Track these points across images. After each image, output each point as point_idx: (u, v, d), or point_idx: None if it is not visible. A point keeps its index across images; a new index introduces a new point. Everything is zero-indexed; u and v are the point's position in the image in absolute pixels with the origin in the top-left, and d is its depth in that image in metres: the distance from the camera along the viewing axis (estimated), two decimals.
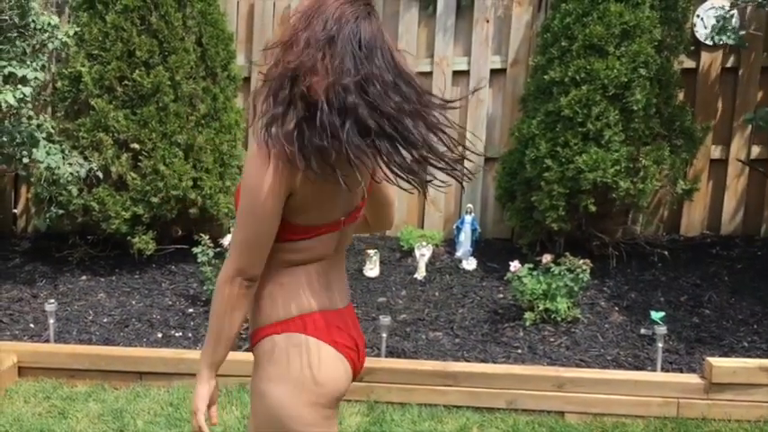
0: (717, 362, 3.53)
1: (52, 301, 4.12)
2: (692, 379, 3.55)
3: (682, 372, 3.68)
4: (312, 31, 1.57)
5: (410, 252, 4.94)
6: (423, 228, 5.29)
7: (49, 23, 4.29)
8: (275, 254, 1.72)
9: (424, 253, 4.82)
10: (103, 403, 3.61)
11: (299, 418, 1.72)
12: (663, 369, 3.68)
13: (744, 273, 4.67)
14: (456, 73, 5.29)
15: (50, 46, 4.47)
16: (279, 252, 1.73)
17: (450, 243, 5.12)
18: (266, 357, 1.75)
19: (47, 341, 4.03)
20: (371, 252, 4.78)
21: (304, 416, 1.72)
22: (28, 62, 4.21)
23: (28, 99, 4.14)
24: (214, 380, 1.78)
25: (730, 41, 4.55)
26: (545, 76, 4.60)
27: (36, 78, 4.20)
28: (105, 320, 4.31)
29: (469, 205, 5.09)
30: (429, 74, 5.30)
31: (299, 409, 1.72)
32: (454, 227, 5.11)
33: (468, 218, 5.00)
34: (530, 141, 4.62)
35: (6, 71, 4.09)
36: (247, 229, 1.68)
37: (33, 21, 4.23)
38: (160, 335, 4.16)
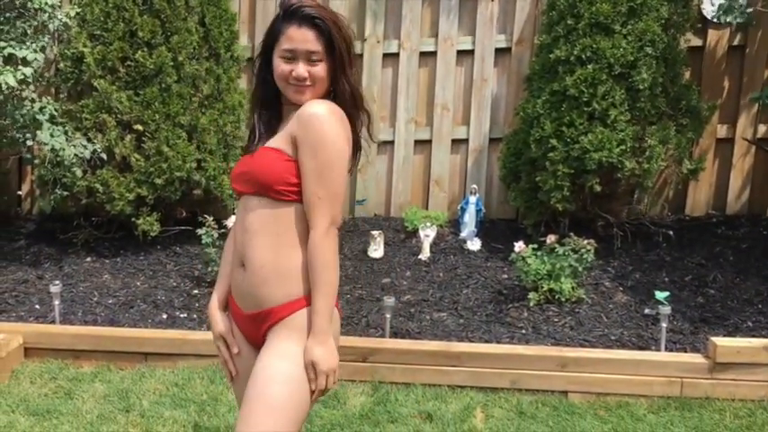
0: (721, 341, 3.52)
1: (57, 282, 4.13)
2: (696, 359, 3.55)
3: (686, 351, 3.68)
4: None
5: (414, 233, 4.94)
6: (427, 208, 5.28)
7: (47, 3, 4.25)
8: (305, 224, 1.86)
9: (428, 234, 4.81)
10: (109, 384, 3.64)
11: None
12: (667, 349, 3.69)
13: (749, 252, 4.66)
14: (460, 52, 5.26)
15: (51, 26, 4.44)
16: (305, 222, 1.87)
17: (455, 224, 5.11)
18: (298, 324, 1.86)
19: (52, 322, 4.04)
20: (376, 233, 4.78)
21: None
22: (28, 43, 4.19)
23: (29, 80, 4.12)
24: None
25: (738, 20, 4.50)
26: (550, 55, 4.56)
27: (36, 60, 4.18)
28: (110, 301, 4.32)
29: (474, 186, 5.08)
30: (433, 54, 5.27)
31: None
32: (459, 207, 5.10)
33: (472, 198, 4.98)
34: (535, 121, 4.59)
35: (6, 52, 4.07)
36: (339, 182, 1.86)
37: (31, 0, 4.20)
38: (165, 316, 4.17)
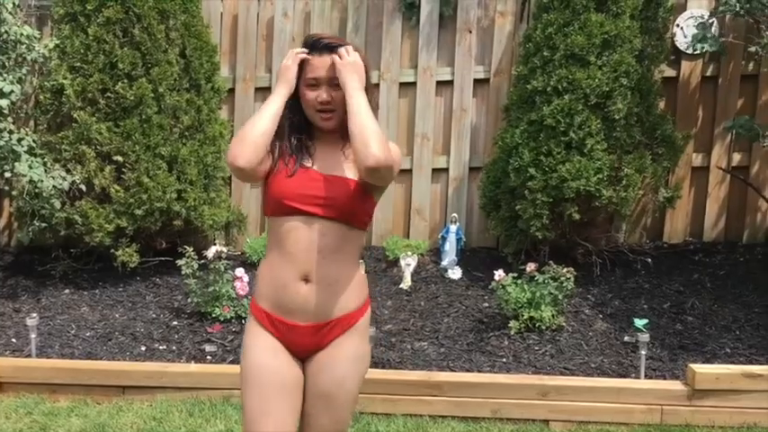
0: (700, 368, 3.55)
1: (34, 315, 4.08)
2: (676, 386, 3.57)
3: (665, 378, 3.70)
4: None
5: (395, 262, 4.94)
6: (408, 237, 5.30)
7: (23, 34, 4.26)
8: (359, 241, 2.14)
9: (409, 263, 4.82)
10: (86, 418, 3.58)
11: None
12: (646, 376, 3.70)
13: (726, 279, 4.71)
14: (440, 83, 5.32)
15: (29, 58, 4.45)
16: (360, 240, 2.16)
17: (436, 252, 5.12)
18: (365, 324, 2.16)
19: (29, 356, 3.99)
20: None
21: None
22: (5, 75, 4.18)
23: (5, 112, 4.11)
24: None
25: (711, 49, 4.61)
26: (528, 86, 4.63)
27: (13, 92, 4.17)
28: (88, 334, 4.28)
29: (454, 215, 5.11)
30: (413, 84, 5.33)
31: None
32: (439, 236, 5.12)
33: (453, 227, 5.01)
34: (513, 150, 4.65)
35: None
36: None
37: (6, 32, 4.20)
38: (144, 348, 4.13)
